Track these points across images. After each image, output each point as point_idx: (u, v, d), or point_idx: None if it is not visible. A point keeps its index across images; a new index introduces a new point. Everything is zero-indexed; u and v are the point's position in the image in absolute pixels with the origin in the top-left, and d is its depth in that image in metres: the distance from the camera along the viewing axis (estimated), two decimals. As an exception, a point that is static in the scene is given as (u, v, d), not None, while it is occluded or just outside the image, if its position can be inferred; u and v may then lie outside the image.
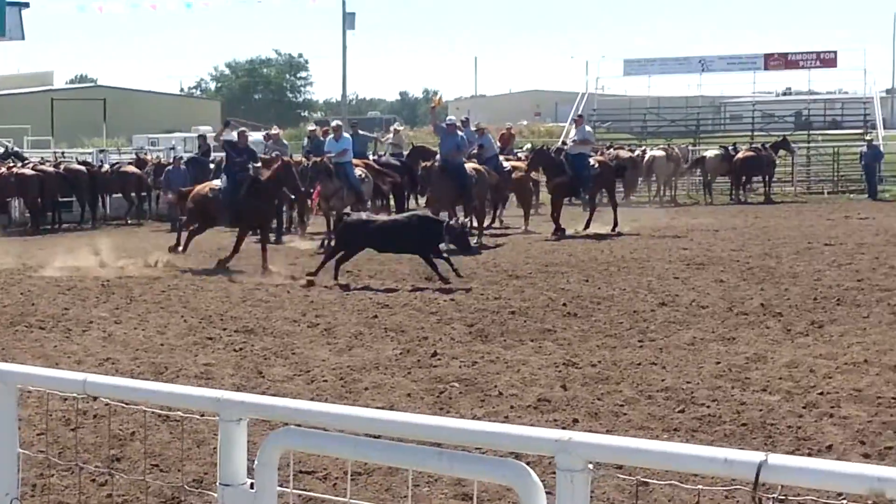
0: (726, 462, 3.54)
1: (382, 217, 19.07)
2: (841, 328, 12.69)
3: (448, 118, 26.14)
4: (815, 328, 12.76)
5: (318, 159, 22.98)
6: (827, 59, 56.64)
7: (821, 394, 9.52)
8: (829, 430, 8.45)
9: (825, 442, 8.14)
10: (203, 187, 21.11)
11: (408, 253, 17.41)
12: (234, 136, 21.29)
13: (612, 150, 37.92)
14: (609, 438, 4.31)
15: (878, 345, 11.59)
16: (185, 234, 21.09)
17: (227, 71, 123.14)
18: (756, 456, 3.42)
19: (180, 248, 20.81)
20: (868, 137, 42.60)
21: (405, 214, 18.61)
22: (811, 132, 51.09)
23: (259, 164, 20.52)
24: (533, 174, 27.29)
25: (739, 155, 37.81)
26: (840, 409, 8.99)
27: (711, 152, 39.33)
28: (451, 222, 17.39)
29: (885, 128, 51.97)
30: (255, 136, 30.81)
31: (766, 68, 57.36)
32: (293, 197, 22.11)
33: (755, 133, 50.22)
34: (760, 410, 9.03)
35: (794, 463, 3.56)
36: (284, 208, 27.23)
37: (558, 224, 24.65)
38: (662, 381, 10.14)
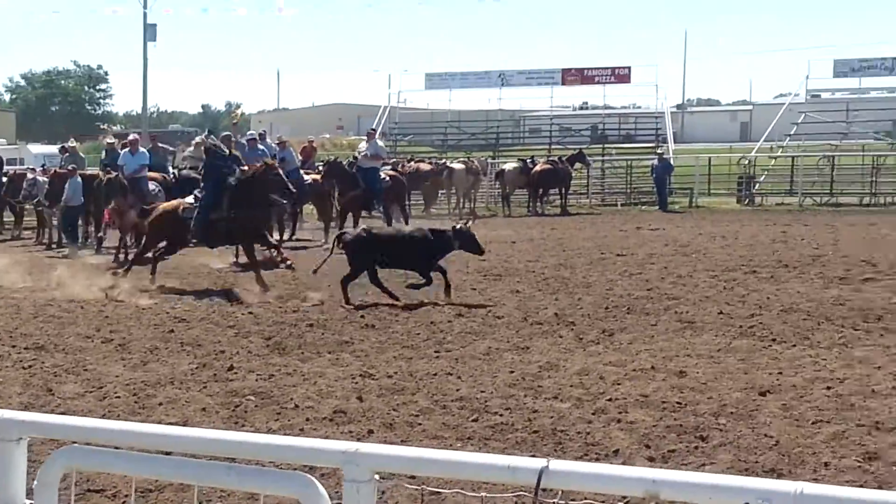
0: (510, 469, 3.62)
1: (390, 230, 18.09)
2: (630, 336, 13.08)
3: (249, 132, 25.98)
4: (605, 336, 13.11)
5: (113, 176, 22.56)
6: (621, 75, 58.25)
7: (609, 400, 9.79)
8: (616, 434, 8.69)
9: (612, 447, 8.37)
10: (172, 205, 19.17)
11: (418, 269, 16.61)
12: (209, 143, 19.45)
13: (412, 162, 38.20)
14: (395, 449, 4.36)
15: (665, 351, 12.00)
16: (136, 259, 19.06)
17: (22, 82, 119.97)
18: (538, 462, 3.50)
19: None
20: (659, 151, 43.96)
21: (412, 228, 17.70)
22: (606, 146, 52.47)
23: (245, 168, 18.81)
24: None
25: (537, 168, 38.50)
26: (627, 415, 9.26)
27: (510, 165, 39.99)
28: (459, 227, 16.79)
29: (675, 141, 53.79)
30: (51, 150, 30.06)
31: (563, 83, 58.66)
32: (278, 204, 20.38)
33: (553, 146, 51.29)
34: (551, 417, 9.23)
35: (574, 468, 3.65)
36: (80, 222, 26.63)
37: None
38: (457, 390, 10.28)
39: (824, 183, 42.17)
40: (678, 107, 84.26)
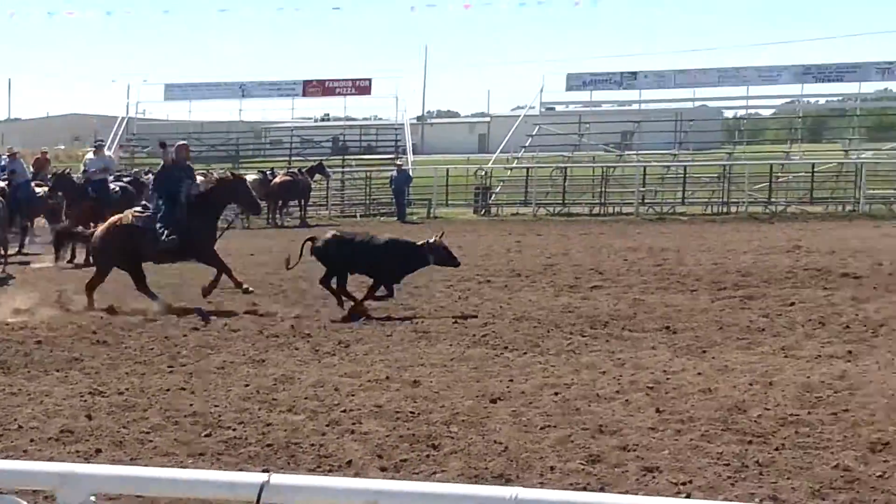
0: (230, 485, 3.61)
1: (365, 236, 17.33)
2: (366, 347, 13.19)
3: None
4: (341, 347, 13.18)
5: None
6: (362, 87, 58.41)
7: (344, 411, 9.85)
8: (350, 446, 8.75)
9: (345, 458, 8.42)
10: (120, 218, 17.60)
11: (385, 280, 16.30)
12: (172, 154, 18.05)
13: (150, 174, 37.45)
14: (113, 468, 4.28)
15: (400, 361, 12.15)
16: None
17: None
18: (259, 477, 3.49)
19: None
20: (399, 162, 44.38)
21: (386, 238, 17.03)
22: (346, 157, 52.61)
23: (199, 181, 17.99)
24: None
25: (277, 179, 38.38)
26: (361, 426, 9.34)
27: (250, 177, 39.57)
28: (433, 240, 16.25)
29: (415, 153, 54.41)
30: None
31: (304, 95, 58.40)
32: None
33: (294, 158, 51.10)
34: (286, 430, 9.22)
35: (296, 482, 3.67)
36: None
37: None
38: (191, 405, 10.14)
39: (557, 193, 43.45)
40: (418, 119, 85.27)
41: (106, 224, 17.64)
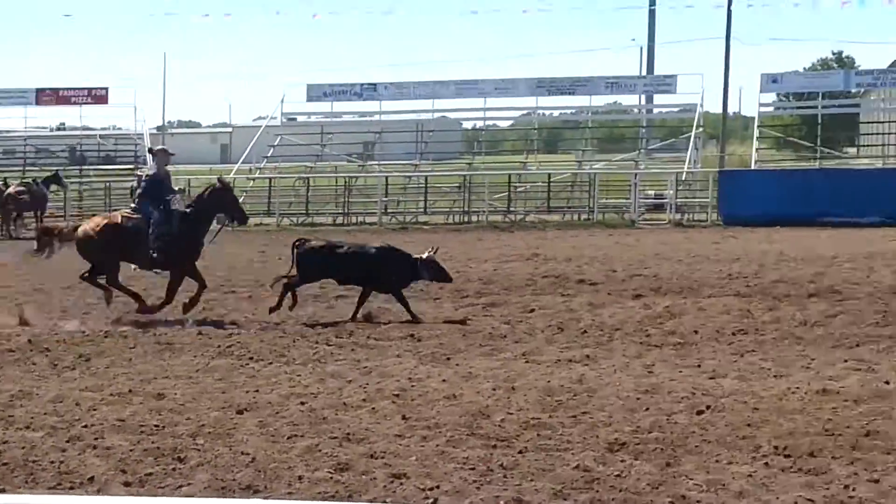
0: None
1: (347, 245, 16.97)
2: (108, 360, 12.90)
3: None
4: (82, 361, 12.84)
5: None
6: (99, 96, 56.95)
7: (85, 426, 9.58)
8: (91, 461, 8.51)
9: (87, 474, 8.18)
10: (109, 217, 17.20)
11: (373, 288, 16.09)
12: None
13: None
14: None
15: (143, 374, 11.92)
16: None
17: None
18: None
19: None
20: (139, 172, 43.47)
21: (375, 245, 16.88)
22: (84, 167, 51.30)
23: (180, 190, 17.54)
24: None
25: (10, 190, 37.10)
26: (104, 440, 9.11)
27: (-21, 187, 38.25)
28: (426, 256, 16.07)
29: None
30: None
31: (37, 103, 56.61)
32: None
33: (28, 168, 49.56)
34: (24, 448, 8.89)
35: (25, 501, 3.56)
36: None
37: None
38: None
39: (300, 204, 43.47)
40: (159, 128, 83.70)
41: (102, 222, 17.11)
